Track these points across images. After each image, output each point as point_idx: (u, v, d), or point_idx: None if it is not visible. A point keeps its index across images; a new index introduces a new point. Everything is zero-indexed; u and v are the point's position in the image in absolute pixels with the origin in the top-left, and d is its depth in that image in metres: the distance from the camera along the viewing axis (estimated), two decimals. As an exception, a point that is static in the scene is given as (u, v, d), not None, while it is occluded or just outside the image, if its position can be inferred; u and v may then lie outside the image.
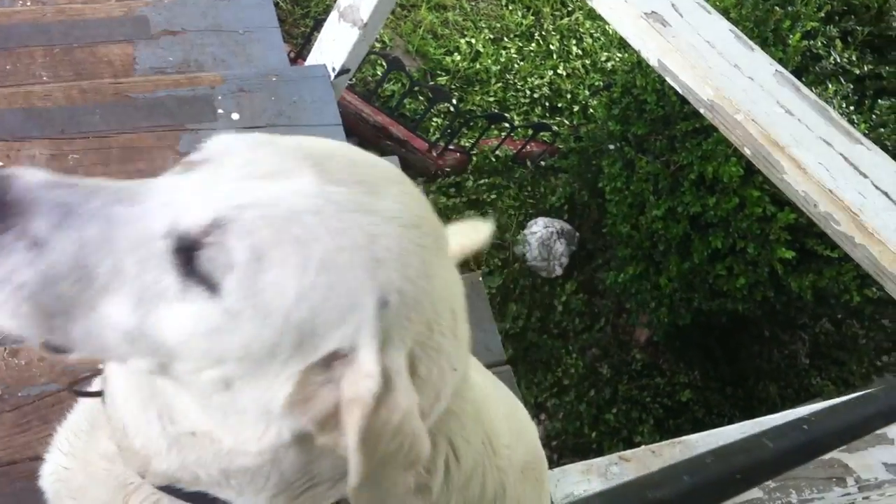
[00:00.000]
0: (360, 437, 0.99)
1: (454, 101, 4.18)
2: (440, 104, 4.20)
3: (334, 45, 3.09)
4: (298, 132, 2.80)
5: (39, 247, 0.95)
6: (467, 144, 4.25)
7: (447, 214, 3.99)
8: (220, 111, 2.95)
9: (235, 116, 2.97)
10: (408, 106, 4.17)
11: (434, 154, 4.10)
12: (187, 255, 0.95)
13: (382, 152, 3.90)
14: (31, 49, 3.05)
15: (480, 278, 2.95)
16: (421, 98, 4.24)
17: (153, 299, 0.98)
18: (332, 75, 3.14)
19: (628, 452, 2.58)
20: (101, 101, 2.82)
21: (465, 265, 3.83)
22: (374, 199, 1.02)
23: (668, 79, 2.27)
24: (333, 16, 3.14)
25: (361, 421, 0.98)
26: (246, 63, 3.24)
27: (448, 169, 4.14)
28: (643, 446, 2.70)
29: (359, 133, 3.87)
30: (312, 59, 3.26)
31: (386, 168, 1.10)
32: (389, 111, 4.03)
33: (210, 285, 0.94)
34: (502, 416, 1.67)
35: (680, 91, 2.25)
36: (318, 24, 3.49)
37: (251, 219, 0.93)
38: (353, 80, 3.49)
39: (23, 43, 3.05)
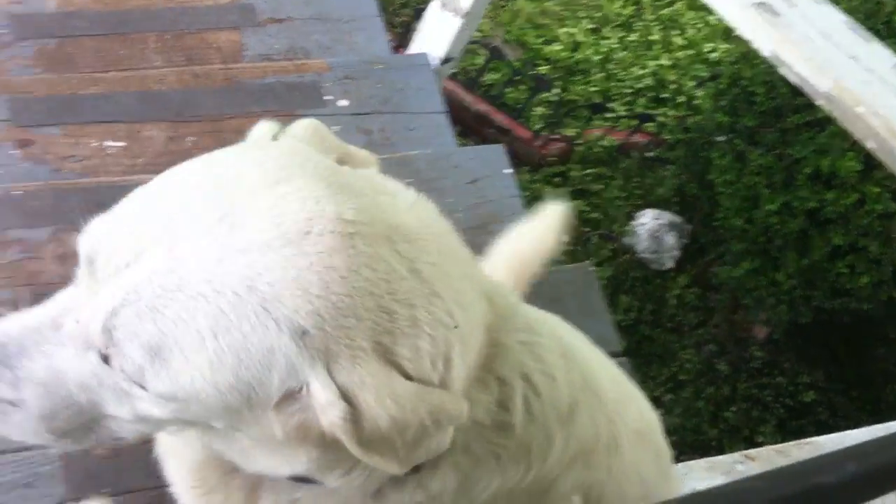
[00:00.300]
0: (364, 451, 1.02)
1: (556, 91, 4.14)
2: (542, 93, 4.16)
3: (436, 34, 3.09)
4: (405, 119, 2.84)
5: (18, 405, 1.08)
6: (571, 134, 4.19)
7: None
8: (327, 97, 2.98)
9: (343, 103, 2.99)
10: (510, 95, 4.14)
11: (537, 143, 4.06)
12: (108, 360, 1.01)
13: (485, 140, 3.89)
14: (144, 35, 3.13)
15: (592, 268, 2.89)
16: (523, 87, 4.20)
17: (125, 397, 1.05)
18: (436, 64, 3.13)
19: (753, 451, 2.51)
20: (212, 86, 2.88)
21: (573, 256, 3.80)
22: (237, 233, 0.98)
23: (782, 70, 2.20)
24: (435, 5, 3.13)
25: (351, 442, 1.00)
26: (350, 51, 3.26)
27: (552, 158, 4.10)
28: (768, 446, 2.62)
29: (461, 121, 3.85)
30: (415, 47, 3.26)
31: (255, 179, 1.02)
32: (492, 100, 4.01)
33: (138, 383, 0.99)
34: (607, 377, 1.64)
35: (796, 83, 2.18)
36: (418, 14, 3.49)
37: (124, 325, 0.96)
38: (455, 68, 3.48)
39: (136, 29, 3.13)
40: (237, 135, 2.81)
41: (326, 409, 0.99)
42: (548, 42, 4.44)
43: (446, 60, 3.10)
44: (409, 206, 1.18)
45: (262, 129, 1.24)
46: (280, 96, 2.91)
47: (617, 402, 1.58)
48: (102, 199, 1.15)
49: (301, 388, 1.00)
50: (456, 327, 1.08)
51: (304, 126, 1.25)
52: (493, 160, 2.97)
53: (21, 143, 2.65)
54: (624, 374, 1.85)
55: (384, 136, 3.01)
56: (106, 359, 1.00)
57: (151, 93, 2.81)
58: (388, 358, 1.02)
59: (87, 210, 1.07)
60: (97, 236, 1.01)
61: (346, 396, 0.99)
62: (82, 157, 2.67)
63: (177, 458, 1.45)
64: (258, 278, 0.95)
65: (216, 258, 0.95)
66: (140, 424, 1.11)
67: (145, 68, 2.93)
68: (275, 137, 1.21)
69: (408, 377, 1.03)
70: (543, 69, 4.29)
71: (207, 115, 2.83)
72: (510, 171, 2.97)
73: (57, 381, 1.06)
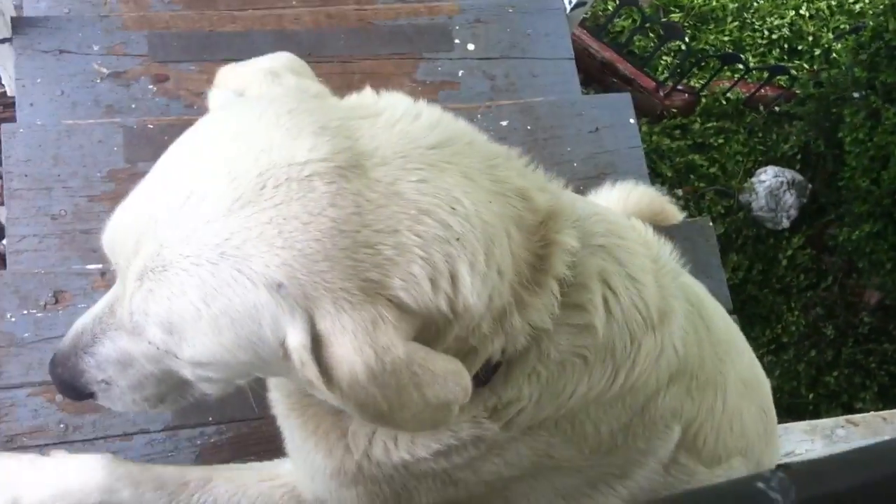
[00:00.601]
0: (341, 397, 1.07)
1: (686, 39, 4.02)
2: (671, 42, 4.05)
3: (573, -23, 3.04)
4: (532, 65, 2.82)
5: (110, 382, 1.28)
6: (697, 85, 4.08)
7: (670, 157, 3.89)
8: (456, 41, 2.98)
9: (471, 47, 2.99)
10: (637, 43, 4.06)
11: (661, 94, 3.97)
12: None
13: (607, 89, 3.83)
14: (283, -26, 3.18)
15: (711, 223, 2.84)
16: (651, 35, 4.10)
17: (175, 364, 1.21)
18: (568, 7, 3.09)
19: (857, 417, 2.45)
20: (345, 27, 2.91)
21: (685, 211, 3.74)
22: (203, 206, 1.03)
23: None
24: (572, -55, 3.08)
25: (322, 387, 1.06)
26: (481, -7, 3.25)
27: (675, 110, 4.01)
28: (873, 412, 2.56)
29: (584, 69, 3.79)
30: (548, -10, 3.22)
31: (213, 146, 1.08)
32: (618, 48, 3.94)
33: (171, 353, 1.13)
34: (720, 318, 1.61)
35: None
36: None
37: (137, 310, 1.09)
38: (586, 14, 3.42)
39: (273, -32, 3.18)
40: (365, 76, 2.89)
41: (294, 355, 1.05)
42: (684, -12, 4.31)
43: (580, 4, 3.05)
44: (393, 122, 1.15)
45: (220, 86, 1.40)
46: (410, 38, 2.94)
47: (728, 344, 1.55)
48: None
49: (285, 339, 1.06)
50: (458, 239, 1.06)
51: (280, 59, 1.33)
52: (618, 109, 2.94)
53: (157, 77, 2.76)
54: (738, 329, 1.81)
55: (508, 82, 3.00)
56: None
57: (286, 32, 2.87)
58: (381, 293, 1.03)
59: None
60: (110, 235, 1.14)
61: (323, 342, 1.03)
62: (217, 93, 2.76)
63: (277, 389, 1.54)
64: (226, 244, 1.01)
65: (189, 233, 1.03)
66: (207, 383, 1.25)
67: (281, 8, 2.99)
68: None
69: (407, 310, 1.04)
70: (675, 17, 4.18)
71: (337, 56, 2.88)
72: (634, 121, 2.93)
73: (127, 358, 1.23)
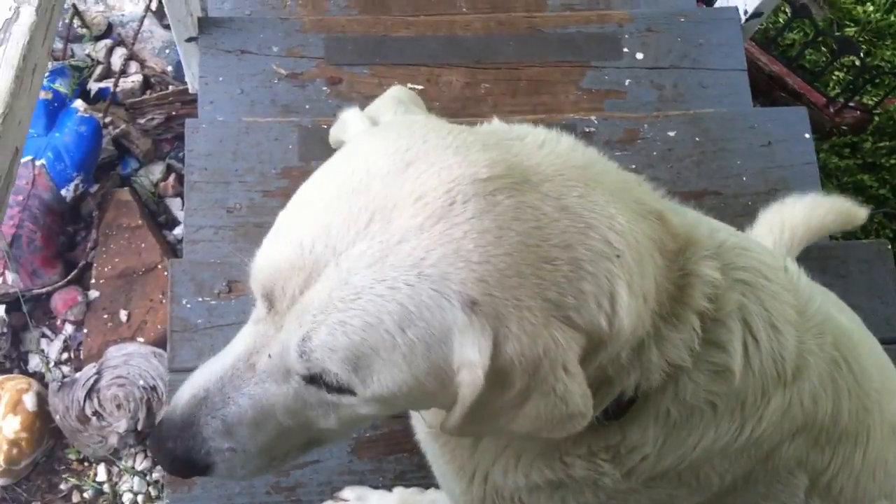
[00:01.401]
0: (468, 411, 1.05)
1: (861, 55, 3.84)
2: (845, 57, 3.87)
3: (749, -15, 2.94)
4: (702, 75, 2.75)
5: (236, 449, 1.20)
6: (870, 103, 3.88)
7: (837, 176, 3.71)
8: (625, 50, 2.94)
9: (640, 56, 2.94)
10: (808, 57, 3.89)
11: (831, 110, 3.79)
12: (315, 378, 1.08)
13: (774, 103, 3.69)
14: (454, -20, 3.20)
15: (889, 246, 2.69)
16: (824, 49, 3.93)
17: (332, 409, 1.14)
18: (743, 18, 3.00)
19: None
20: (514, 34, 2.91)
21: (848, 233, 3.56)
22: (394, 225, 1.00)
23: None
24: (753, -48, 2.99)
25: (466, 406, 1.04)
26: (653, 2, 3.19)
27: (845, 127, 3.82)
28: None
29: (752, 82, 3.64)
30: (722, 0, 3.13)
31: (385, 169, 1.04)
32: (787, 61, 3.78)
33: (347, 391, 1.07)
34: (874, 363, 1.51)
35: None
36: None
37: (320, 347, 1.02)
38: (761, 25, 3.31)
39: (446, -25, 3.22)
40: (531, 83, 2.88)
41: (468, 378, 1.02)
42: (860, 2, 4.11)
43: (756, 15, 2.95)
44: (540, 144, 1.14)
45: (351, 116, 1.36)
46: (579, 47, 2.91)
47: (879, 392, 1.46)
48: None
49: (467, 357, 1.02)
50: (618, 256, 1.04)
51: (402, 90, 1.29)
52: (792, 123, 2.83)
53: (331, 80, 2.83)
54: (891, 363, 1.71)
55: (677, 92, 2.93)
56: (310, 379, 1.09)
57: (456, 38, 2.90)
58: (555, 315, 1.01)
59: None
60: (266, 274, 1.08)
61: (491, 372, 1.01)
62: (385, 97, 2.80)
63: (420, 421, 1.54)
64: (422, 263, 0.98)
65: (380, 257, 0.99)
66: (349, 427, 1.21)
67: (452, 14, 3.02)
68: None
69: (577, 329, 1.03)
70: (850, 31, 3.99)
71: (505, 63, 2.89)
72: (809, 136, 2.81)
73: (265, 415, 1.16)
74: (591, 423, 1.10)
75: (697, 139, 2.76)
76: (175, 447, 1.19)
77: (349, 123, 1.33)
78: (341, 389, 1.07)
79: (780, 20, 3.87)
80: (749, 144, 2.79)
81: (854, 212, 2.33)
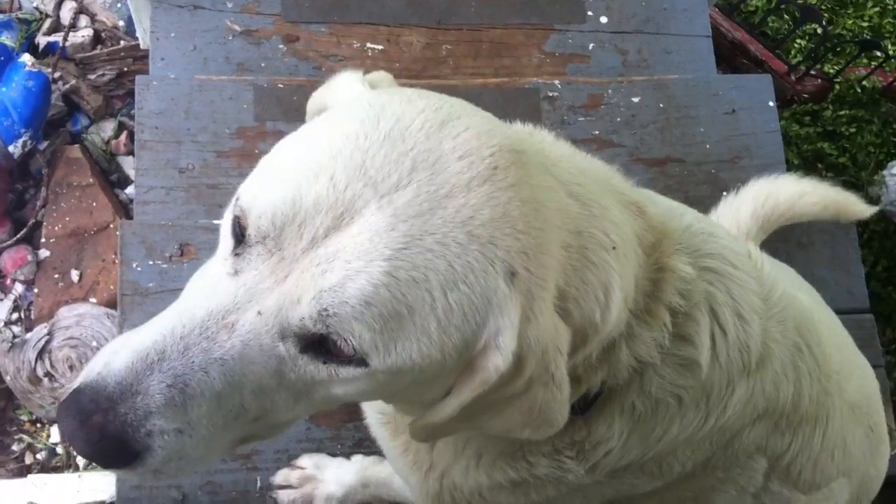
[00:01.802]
0: (469, 402, 0.98)
1: (823, 23, 3.83)
2: (807, 24, 3.86)
3: (716, -49, 2.91)
4: (666, 41, 2.72)
5: (183, 431, 0.97)
6: (831, 71, 3.89)
7: (798, 143, 3.72)
8: (589, 13, 2.90)
9: (604, 20, 2.90)
10: (770, 24, 3.88)
11: (793, 78, 3.79)
12: (314, 344, 0.93)
13: (736, 70, 3.68)
14: (415, -62, 3.13)
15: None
16: (786, 17, 3.92)
17: (309, 388, 0.99)
18: (709, -17, 2.98)
19: None
20: (477, -6, 2.85)
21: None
22: (440, 177, 0.92)
23: None
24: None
25: (475, 393, 0.96)
26: (618, -35, 3.15)
27: (806, 95, 3.82)
28: None
29: (714, 48, 3.66)
30: (688, -36, 3.10)
31: (421, 123, 0.96)
32: (750, 28, 3.77)
33: (357, 361, 0.92)
34: (833, 344, 1.52)
35: None
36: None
37: (354, 297, 0.88)
38: (722, -9, 3.29)
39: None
40: (493, 45, 2.83)
41: (493, 355, 0.95)
42: (823, -31, 4.11)
43: (719, -18, 2.93)
44: (528, 130, 1.15)
45: (349, 77, 1.16)
46: (542, 9, 2.87)
47: (839, 374, 1.47)
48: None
49: (493, 339, 0.96)
50: (614, 248, 1.03)
51: (385, 76, 1.18)
52: (757, 91, 2.82)
53: (288, 38, 2.76)
54: (850, 339, 1.73)
55: (641, 58, 2.91)
56: (309, 345, 0.95)
57: (417, -3, 2.83)
58: (561, 304, 0.99)
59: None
60: (279, 211, 0.92)
61: (517, 355, 0.95)
62: (343, 56, 2.75)
63: (371, 407, 1.52)
64: (471, 221, 0.91)
65: (429, 208, 0.91)
66: (310, 409, 1.06)
67: (414, -28, 2.94)
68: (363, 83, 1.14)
69: (571, 323, 1.00)
70: (814, -1, 3.99)
71: (467, 24, 2.83)
72: (774, 104, 2.81)
73: (234, 389, 0.97)
74: None
75: (661, 105, 2.74)
76: (105, 422, 0.93)
77: (346, 85, 1.14)
78: (349, 359, 0.94)
79: (746, -15, 3.85)
80: (713, 111, 2.77)
81: (854, 209, 2.33)
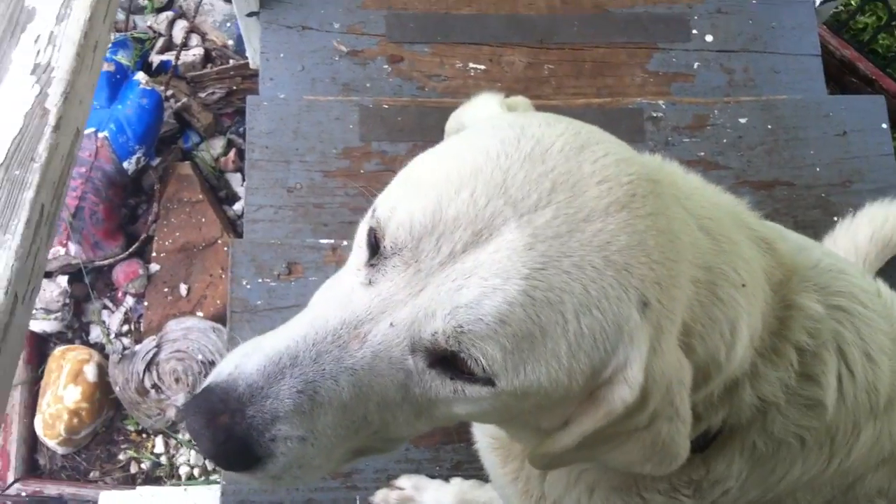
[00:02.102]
0: (590, 433, 0.96)
1: (938, 39, 3.71)
2: (920, 41, 3.74)
3: (827, -32, 2.84)
4: (774, 60, 2.65)
5: (307, 439, 0.97)
6: (945, 89, 3.75)
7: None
8: (694, 31, 2.86)
9: (709, 38, 2.86)
10: (880, 42, 3.76)
11: (904, 97, 3.68)
12: (443, 360, 0.93)
13: (844, 89, 3.58)
14: (518, -42, 3.14)
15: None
16: (898, 33, 3.80)
17: (432, 404, 0.98)
18: (818, 2, 2.90)
19: None
20: (579, 13, 2.85)
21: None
22: (578, 200, 0.90)
23: None
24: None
25: (598, 424, 0.95)
26: (724, -18, 3.10)
27: (918, 115, 3.70)
28: None
29: (821, 66, 3.58)
30: (797, -19, 3.03)
31: (561, 146, 0.94)
32: (859, 46, 3.66)
33: (484, 380, 0.90)
34: None
35: None
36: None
37: (490, 315, 0.87)
38: (837, 8, 3.19)
39: (509, -48, 3.15)
40: (596, 64, 2.82)
41: (620, 387, 0.94)
42: (937, -15, 3.96)
43: (829, -1, 2.85)
44: (660, 161, 1.12)
45: (489, 99, 1.15)
46: (646, 27, 2.84)
47: None
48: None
49: (621, 370, 0.94)
50: (744, 285, 1.00)
51: (522, 100, 1.16)
52: (869, 112, 2.73)
53: (392, 58, 2.79)
54: None
55: (747, 77, 2.85)
56: (438, 361, 0.94)
57: (519, 17, 2.84)
58: (685, 340, 0.97)
59: (444, 129, 1.06)
60: (418, 224, 0.93)
61: (644, 390, 0.94)
62: (446, 77, 2.77)
63: (483, 432, 1.51)
64: (608, 247, 0.90)
65: (567, 230, 0.90)
66: (429, 425, 1.05)
67: (517, -8, 2.95)
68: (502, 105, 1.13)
69: (694, 360, 0.98)
70: (926, 15, 3.85)
71: (569, 43, 2.82)
72: (887, 126, 2.72)
73: (360, 400, 0.96)
74: None
75: (769, 126, 2.68)
76: (232, 424, 0.94)
77: (485, 106, 1.15)
78: (477, 378, 0.93)
79: (853, 3, 3.74)
80: (823, 133, 2.70)
81: None
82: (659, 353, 0.94)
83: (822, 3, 2.89)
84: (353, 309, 0.95)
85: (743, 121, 2.67)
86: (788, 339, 1.10)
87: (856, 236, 2.19)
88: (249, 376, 0.95)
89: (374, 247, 0.98)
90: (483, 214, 0.90)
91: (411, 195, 0.96)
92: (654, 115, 2.65)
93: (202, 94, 3.13)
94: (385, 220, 0.96)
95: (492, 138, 0.97)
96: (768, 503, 1.27)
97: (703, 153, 2.61)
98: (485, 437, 1.50)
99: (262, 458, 0.96)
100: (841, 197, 2.58)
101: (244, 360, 0.97)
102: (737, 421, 1.13)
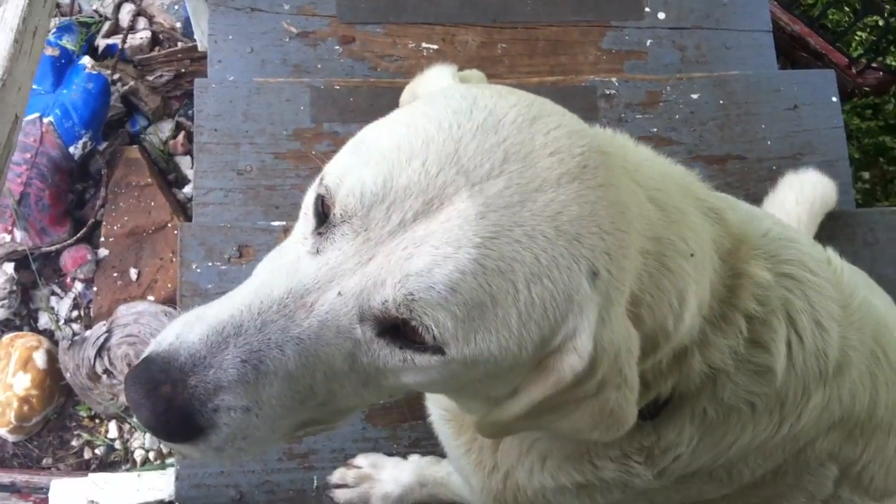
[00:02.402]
0: (539, 402, 0.97)
1: (885, 15, 3.74)
2: (868, 17, 3.77)
3: (777, -57, 2.85)
4: (726, 36, 2.67)
5: (251, 409, 0.95)
6: (893, 63, 3.79)
7: (859, 137, 3.64)
8: (647, 9, 2.86)
9: (661, 16, 2.86)
10: (830, 17, 3.79)
11: (853, 71, 3.71)
12: (391, 329, 0.93)
13: (795, 64, 3.61)
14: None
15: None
16: (847, 9, 3.83)
17: (380, 373, 0.97)
18: (769, -24, 2.91)
19: None
20: (533, -8, 2.83)
21: (871, 195, 3.52)
22: (530, 171, 0.91)
23: None
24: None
25: (547, 392, 0.95)
26: (676, -40, 3.10)
27: (867, 88, 3.74)
28: None
29: (773, 42, 3.61)
30: (749, -42, 3.04)
31: (513, 117, 0.95)
32: (809, 21, 3.69)
33: (434, 349, 0.90)
34: None
35: None
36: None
37: (441, 283, 0.87)
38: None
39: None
40: (549, 43, 2.81)
41: (569, 356, 0.94)
42: (885, -40, 4.00)
43: (781, -25, 2.86)
44: (611, 134, 1.13)
45: (442, 70, 1.16)
46: (598, 5, 2.83)
47: None
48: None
49: (568, 340, 0.95)
50: (692, 255, 1.01)
51: (476, 73, 1.19)
52: (820, 86, 2.77)
53: (344, 39, 2.76)
54: None
55: (699, 53, 2.86)
56: (387, 330, 0.94)
57: (474, -4, 2.82)
58: (634, 310, 0.98)
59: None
60: (368, 192, 0.92)
61: (593, 356, 0.94)
62: (399, 57, 2.75)
63: (435, 404, 1.51)
64: (559, 217, 0.90)
65: (519, 200, 0.90)
66: (376, 396, 1.04)
67: (470, -30, 2.93)
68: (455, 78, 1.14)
69: (642, 330, 0.98)
70: (875, -10, 3.89)
71: (522, 22, 2.81)
72: (837, 99, 2.75)
73: (306, 370, 0.95)
74: None
75: (721, 102, 2.69)
76: (173, 394, 0.92)
77: (438, 78, 1.14)
78: (426, 346, 0.92)
79: (804, -22, 3.77)
80: (774, 108, 2.72)
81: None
82: (607, 322, 0.94)
83: (772, -21, 2.91)
84: (299, 278, 0.94)
85: (695, 97, 2.68)
86: (737, 306, 1.11)
87: (784, 204, 2.25)
88: (192, 346, 0.93)
89: (322, 216, 0.97)
90: (434, 183, 0.90)
91: (362, 163, 0.94)
92: (608, 92, 2.65)
93: (150, 78, 3.07)
94: (335, 188, 0.95)
95: (444, 108, 0.97)
96: (719, 468, 1.28)
97: (655, 129, 2.62)
98: (438, 408, 1.50)
99: (205, 428, 0.95)
100: (792, 169, 2.59)
101: (186, 330, 0.95)
102: (687, 388, 1.13)
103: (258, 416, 0.96)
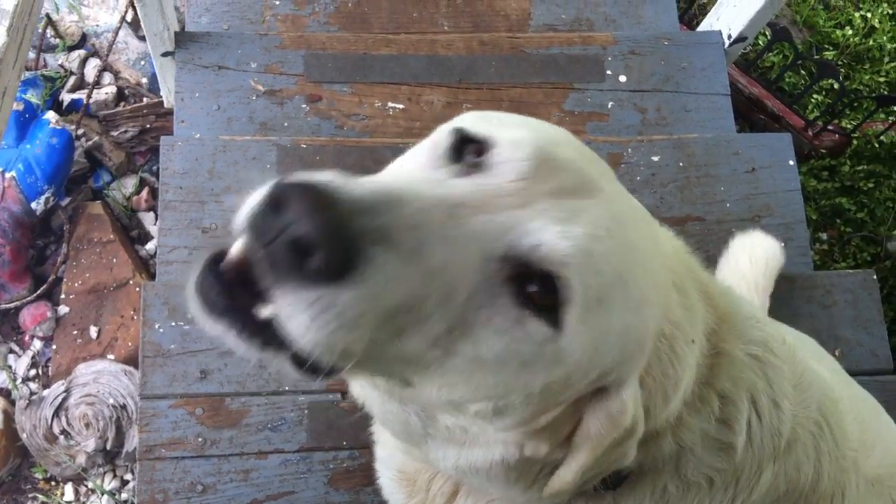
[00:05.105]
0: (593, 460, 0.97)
1: (840, 79, 3.85)
2: (824, 80, 3.88)
3: (735, 11, 2.92)
4: (685, 99, 2.73)
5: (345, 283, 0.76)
6: (849, 126, 3.90)
7: (816, 199, 3.72)
8: (608, 72, 2.91)
9: (623, 79, 2.92)
10: (787, 80, 3.89)
11: (810, 133, 3.80)
12: (520, 282, 0.86)
13: (753, 126, 3.70)
14: (437, -1, 3.17)
15: (874, 276, 2.68)
16: (803, 72, 3.94)
17: (472, 327, 0.87)
18: (727, 42, 2.98)
19: None
20: (497, 54, 2.88)
21: (828, 257, 3.58)
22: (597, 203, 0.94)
23: None
24: (738, -23, 2.97)
25: (600, 450, 0.96)
26: (636, 24, 3.17)
27: (823, 150, 3.83)
28: None
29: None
30: (706, 24, 3.12)
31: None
32: (767, 84, 3.79)
33: (550, 320, 0.86)
34: (853, 419, 1.51)
35: None
36: (708, -13, 3.32)
37: (596, 257, 0.85)
38: (745, 49, 3.29)
39: (429, -9, 3.18)
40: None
41: (618, 415, 0.95)
42: (839, 25, 4.12)
43: (740, 40, 2.94)
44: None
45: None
46: (562, 68, 2.88)
47: (856, 451, 1.46)
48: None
49: (610, 387, 0.96)
50: (693, 341, 1.04)
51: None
52: (777, 149, 2.82)
53: (311, 97, 2.78)
54: (878, 407, 1.72)
55: (660, 116, 2.91)
56: (516, 278, 0.86)
57: (438, 57, 2.85)
58: (641, 376, 1.00)
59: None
60: (545, 148, 0.92)
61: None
62: (365, 116, 2.77)
63: (384, 463, 1.50)
64: (655, 274, 0.99)
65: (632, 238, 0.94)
66: (434, 366, 0.90)
67: (434, 32, 2.97)
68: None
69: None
70: (829, 54, 4.00)
71: (488, 83, 2.85)
72: (794, 162, 2.81)
73: (433, 276, 0.82)
74: (587, 491, 1.07)
75: (681, 164, 2.74)
76: (340, 216, 0.75)
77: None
78: (544, 314, 0.86)
79: (761, 42, 3.87)
80: (733, 170, 2.77)
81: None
82: (630, 385, 0.97)
83: (730, 45, 2.98)
84: (450, 191, 0.86)
85: (656, 159, 2.72)
86: (713, 386, 1.13)
87: (738, 266, 2.29)
88: (359, 194, 0.78)
89: (457, 152, 0.94)
90: (588, 170, 0.92)
91: (514, 126, 0.95)
92: (570, 153, 2.68)
93: (114, 133, 3.06)
94: (493, 135, 0.92)
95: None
96: None
97: (618, 191, 2.65)
98: (389, 470, 1.48)
99: (355, 269, 0.77)
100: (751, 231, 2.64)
101: (340, 179, 0.80)
102: (652, 464, 1.14)
103: (354, 307, 0.78)
